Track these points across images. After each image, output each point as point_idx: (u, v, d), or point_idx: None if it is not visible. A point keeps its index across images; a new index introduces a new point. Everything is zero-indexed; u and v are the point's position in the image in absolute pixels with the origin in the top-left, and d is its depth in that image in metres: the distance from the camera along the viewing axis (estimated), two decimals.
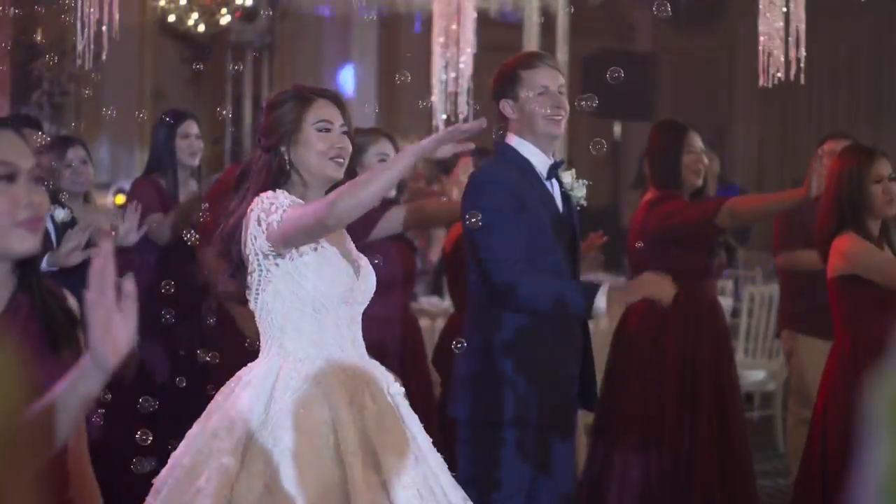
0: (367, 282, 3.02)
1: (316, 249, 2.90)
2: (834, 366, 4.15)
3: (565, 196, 3.66)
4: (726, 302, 6.83)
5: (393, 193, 4.40)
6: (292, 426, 2.77)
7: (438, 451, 2.99)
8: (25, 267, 2.13)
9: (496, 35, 7.89)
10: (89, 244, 4.19)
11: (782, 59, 5.55)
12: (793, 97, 11.47)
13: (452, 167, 5.98)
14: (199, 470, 2.74)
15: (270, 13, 9.97)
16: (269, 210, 2.84)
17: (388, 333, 4.38)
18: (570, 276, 3.61)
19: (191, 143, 5.47)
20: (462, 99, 6.77)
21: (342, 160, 2.99)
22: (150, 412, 3.24)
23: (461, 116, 6.68)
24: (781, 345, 6.04)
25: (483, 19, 7.22)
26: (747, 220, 5.74)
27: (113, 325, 1.82)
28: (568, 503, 3.65)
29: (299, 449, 2.75)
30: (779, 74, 5.57)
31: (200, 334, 4.98)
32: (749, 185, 11.36)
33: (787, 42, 5.55)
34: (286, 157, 2.97)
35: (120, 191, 8.61)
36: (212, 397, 2.93)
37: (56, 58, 8.01)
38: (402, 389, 2.97)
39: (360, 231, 3.77)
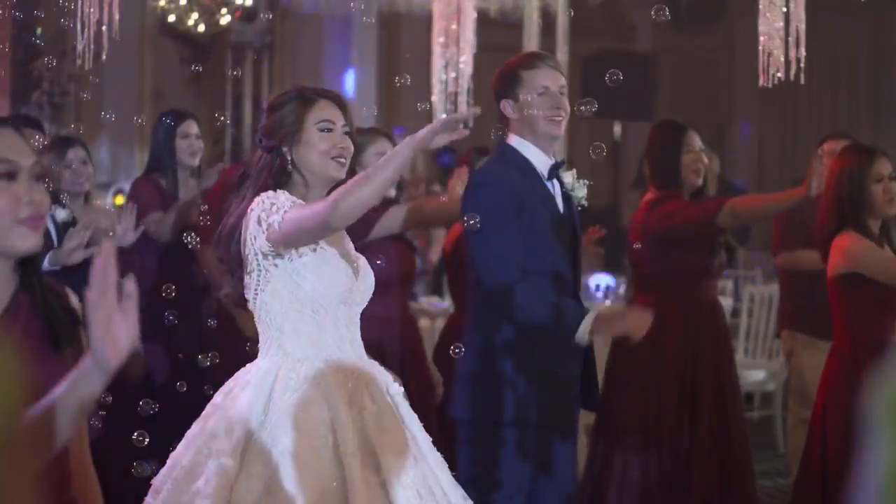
0: (366, 282, 3.02)
1: (315, 250, 2.89)
2: (834, 366, 4.15)
3: (566, 196, 3.65)
4: (726, 302, 6.82)
5: (392, 193, 4.40)
6: (291, 427, 2.77)
7: (438, 451, 2.99)
8: (27, 266, 2.13)
9: (496, 35, 7.88)
10: (91, 243, 4.19)
11: (782, 58, 5.54)
12: (793, 97, 11.47)
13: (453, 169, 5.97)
14: (198, 471, 2.74)
15: (270, 14, 9.96)
16: (270, 210, 2.84)
17: (387, 334, 4.38)
18: (570, 277, 3.61)
19: (191, 142, 5.47)
20: (462, 99, 6.77)
21: (344, 160, 2.99)
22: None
23: None
24: (781, 345, 6.04)
25: (483, 19, 7.21)
26: (748, 220, 5.74)
27: (114, 325, 1.82)
28: (569, 503, 3.65)
29: (298, 449, 2.74)
30: (779, 74, 5.56)
31: (200, 334, 4.98)
32: (749, 185, 11.37)
33: (787, 42, 5.55)
34: (288, 158, 2.97)
35: (120, 191, 8.61)
36: (210, 398, 2.93)
37: (56, 58, 8.01)
38: (402, 389, 2.97)
39: (360, 231, 3.76)
